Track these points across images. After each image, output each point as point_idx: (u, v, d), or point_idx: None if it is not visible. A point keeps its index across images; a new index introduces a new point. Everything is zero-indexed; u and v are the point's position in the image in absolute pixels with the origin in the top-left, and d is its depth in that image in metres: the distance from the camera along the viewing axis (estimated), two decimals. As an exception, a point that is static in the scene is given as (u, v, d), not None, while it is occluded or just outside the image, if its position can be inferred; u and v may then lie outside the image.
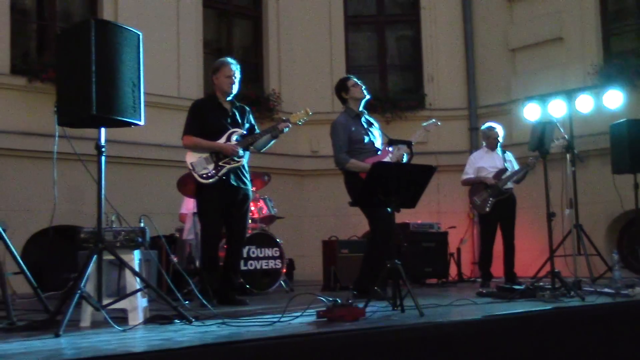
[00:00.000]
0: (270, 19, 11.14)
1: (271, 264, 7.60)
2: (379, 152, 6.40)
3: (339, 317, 4.03)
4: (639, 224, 7.79)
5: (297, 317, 4.20)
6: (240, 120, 6.06)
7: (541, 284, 5.95)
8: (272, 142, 6.10)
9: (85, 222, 6.34)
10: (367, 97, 6.50)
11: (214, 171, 5.85)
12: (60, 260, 7.22)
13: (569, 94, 8.66)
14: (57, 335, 3.55)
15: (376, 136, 6.51)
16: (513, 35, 10.88)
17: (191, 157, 5.93)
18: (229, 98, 6.06)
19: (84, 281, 4.06)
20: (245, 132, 6.00)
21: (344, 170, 6.34)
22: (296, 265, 9.18)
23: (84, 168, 4.36)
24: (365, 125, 6.47)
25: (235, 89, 6.04)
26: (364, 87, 6.48)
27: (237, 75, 6.03)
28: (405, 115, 10.86)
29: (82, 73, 4.02)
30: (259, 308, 5.35)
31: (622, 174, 7.82)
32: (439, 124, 6.80)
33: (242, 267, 7.15)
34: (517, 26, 10.87)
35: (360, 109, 6.48)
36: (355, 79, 6.50)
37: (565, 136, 7.60)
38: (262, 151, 6.22)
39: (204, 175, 5.86)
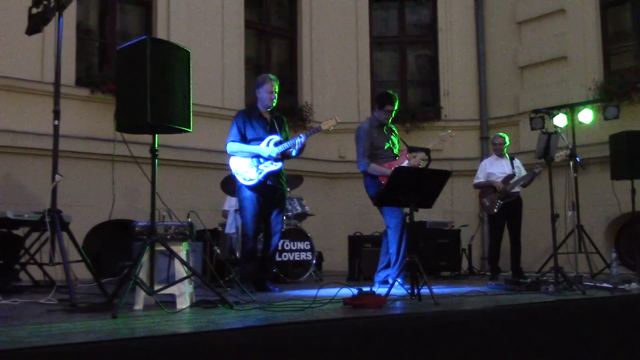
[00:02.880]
0: (304, 39, 11.17)
1: (303, 256, 7.60)
2: (397, 158, 6.37)
3: (363, 305, 4.01)
4: (636, 225, 7.66)
5: (326, 303, 4.18)
6: (278, 129, 6.06)
7: (545, 278, 5.88)
8: (303, 142, 6.00)
9: (139, 217, 6.39)
10: (388, 123, 6.44)
11: (254, 174, 5.85)
12: (117, 250, 7.28)
13: (572, 107, 8.54)
14: (113, 317, 3.57)
15: (395, 143, 6.47)
16: (521, 54, 10.78)
17: (234, 161, 5.95)
18: (268, 109, 6.07)
19: (138, 269, 4.09)
20: (281, 139, 6.00)
21: (364, 173, 6.32)
22: (324, 258, 9.17)
23: (139, 169, 4.39)
24: (386, 133, 6.43)
25: (275, 102, 6.05)
26: (393, 115, 6.40)
27: (277, 90, 6.04)
28: (423, 126, 10.82)
29: (138, 85, 4.04)
30: (292, 295, 5.33)
31: (620, 179, 7.69)
32: (453, 134, 6.76)
33: (277, 258, 7.15)
34: (525, 46, 10.76)
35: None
36: (395, 106, 6.32)
37: (569, 145, 7.51)
38: (296, 156, 6.19)
39: (246, 177, 5.87)
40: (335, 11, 11.34)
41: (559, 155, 6.95)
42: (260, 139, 5.92)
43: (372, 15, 11.59)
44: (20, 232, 6.13)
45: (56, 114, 4.81)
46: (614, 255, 6.25)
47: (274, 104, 6.05)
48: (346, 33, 11.32)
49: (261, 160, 5.87)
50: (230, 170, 6.00)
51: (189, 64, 4.32)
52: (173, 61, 4.20)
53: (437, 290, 4.73)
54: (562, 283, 5.42)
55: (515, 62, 10.86)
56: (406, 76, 11.72)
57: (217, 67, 9.77)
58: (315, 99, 10.94)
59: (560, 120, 8.31)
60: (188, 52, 4.34)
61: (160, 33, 9.20)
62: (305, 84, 11.04)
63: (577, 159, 7.62)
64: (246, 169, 5.87)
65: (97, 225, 8.18)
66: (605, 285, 5.68)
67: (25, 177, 7.78)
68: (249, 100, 9.01)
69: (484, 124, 11.10)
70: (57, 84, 4.87)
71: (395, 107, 6.37)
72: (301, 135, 5.93)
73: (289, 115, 9.07)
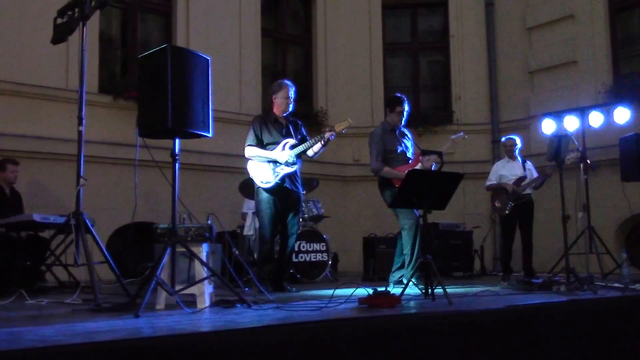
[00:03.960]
0: (319, 46, 11.18)
1: (318, 256, 7.60)
2: (410, 161, 6.34)
3: (378, 304, 4.00)
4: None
5: (342, 303, 4.17)
6: (293, 133, 6.06)
7: (557, 278, 5.82)
8: (322, 149, 6.03)
9: (161, 220, 6.43)
10: (400, 125, 6.41)
11: (271, 176, 5.86)
12: (139, 251, 7.31)
13: (582, 110, 8.46)
14: (136, 316, 3.58)
15: (408, 147, 6.45)
16: (531, 59, 10.71)
17: (252, 165, 5.96)
18: (284, 114, 6.07)
19: (159, 270, 4.10)
20: (297, 142, 6.00)
21: (378, 176, 6.30)
22: (340, 259, 9.15)
23: (160, 173, 4.40)
24: (399, 137, 6.41)
25: (291, 107, 6.06)
26: (404, 117, 6.38)
27: (293, 95, 6.05)
28: (435, 129, 10.78)
29: (159, 92, 4.06)
30: (308, 295, 5.32)
31: (630, 181, 7.61)
32: (466, 137, 6.71)
33: (294, 259, 7.15)
34: (535, 51, 10.69)
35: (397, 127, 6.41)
36: (405, 107, 6.33)
37: (579, 148, 7.44)
38: (313, 159, 6.20)
39: (263, 181, 5.87)
40: (349, 19, 11.35)
41: (570, 158, 6.88)
42: (277, 143, 5.92)
43: (385, 22, 11.57)
44: (46, 234, 6.19)
45: (80, 120, 4.84)
46: (624, 255, 6.17)
47: (290, 110, 6.05)
48: (360, 40, 11.32)
49: (277, 163, 5.87)
50: (248, 173, 6.01)
51: (208, 71, 4.34)
52: (193, 68, 4.21)
53: (450, 290, 4.69)
54: (573, 283, 5.36)
55: (526, 67, 10.80)
56: (419, 81, 11.71)
57: (235, 74, 9.81)
58: (330, 104, 10.94)
59: (571, 123, 8.22)
60: (207, 60, 4.35)
61: (180, 41, 9.25)
62: (320, 89, 11.05)
63: (587, 161, 7.55)
64: (263, 172, 5.87)
65: (119, 227, 8.22)
66: (616, 285, 5.61)
67: (51, 181, 7.85)
68: (266, 105, 9.02)
69: (495, 127, 11.04)
70: (81, 91, 4.91)
71: (406, 108, 6.35)
72: (315, 139, 5.91)
73: (305, 120, 9.06)
